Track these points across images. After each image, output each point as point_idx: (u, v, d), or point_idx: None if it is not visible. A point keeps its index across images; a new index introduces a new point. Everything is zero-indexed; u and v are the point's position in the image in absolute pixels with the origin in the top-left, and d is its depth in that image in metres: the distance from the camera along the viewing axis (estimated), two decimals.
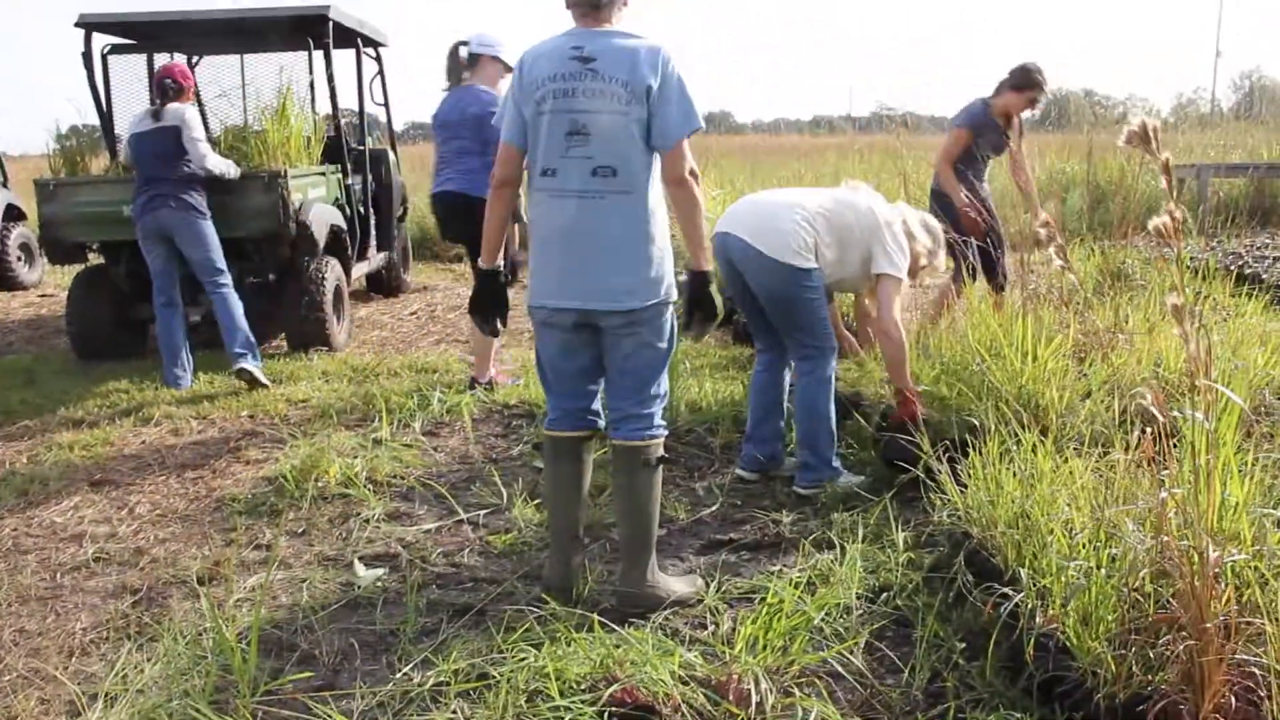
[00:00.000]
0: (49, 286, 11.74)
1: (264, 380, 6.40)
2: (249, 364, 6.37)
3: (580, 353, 3.35)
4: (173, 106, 6.49)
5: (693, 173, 3.22)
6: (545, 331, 3.37)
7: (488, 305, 3.51)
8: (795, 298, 4.21)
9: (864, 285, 4.64)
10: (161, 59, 8.32)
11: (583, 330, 3.29)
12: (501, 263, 3.56)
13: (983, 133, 6.29)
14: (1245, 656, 2.29)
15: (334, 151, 8.27)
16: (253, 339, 6.51)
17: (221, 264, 6.52)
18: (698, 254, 3.31)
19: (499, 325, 3.56)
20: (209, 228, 6.48)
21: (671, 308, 3.34)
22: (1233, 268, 7.60)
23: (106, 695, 2.80)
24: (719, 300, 3.36)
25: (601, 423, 3.50)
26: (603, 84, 3.13)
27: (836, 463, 4.36)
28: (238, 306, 6.51)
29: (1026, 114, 6.47)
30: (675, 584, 3.43)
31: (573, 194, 3.19)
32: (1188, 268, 5.86)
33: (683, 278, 3.40)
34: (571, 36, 3.22)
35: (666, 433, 3.46)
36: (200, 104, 8.55)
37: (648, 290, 3.23)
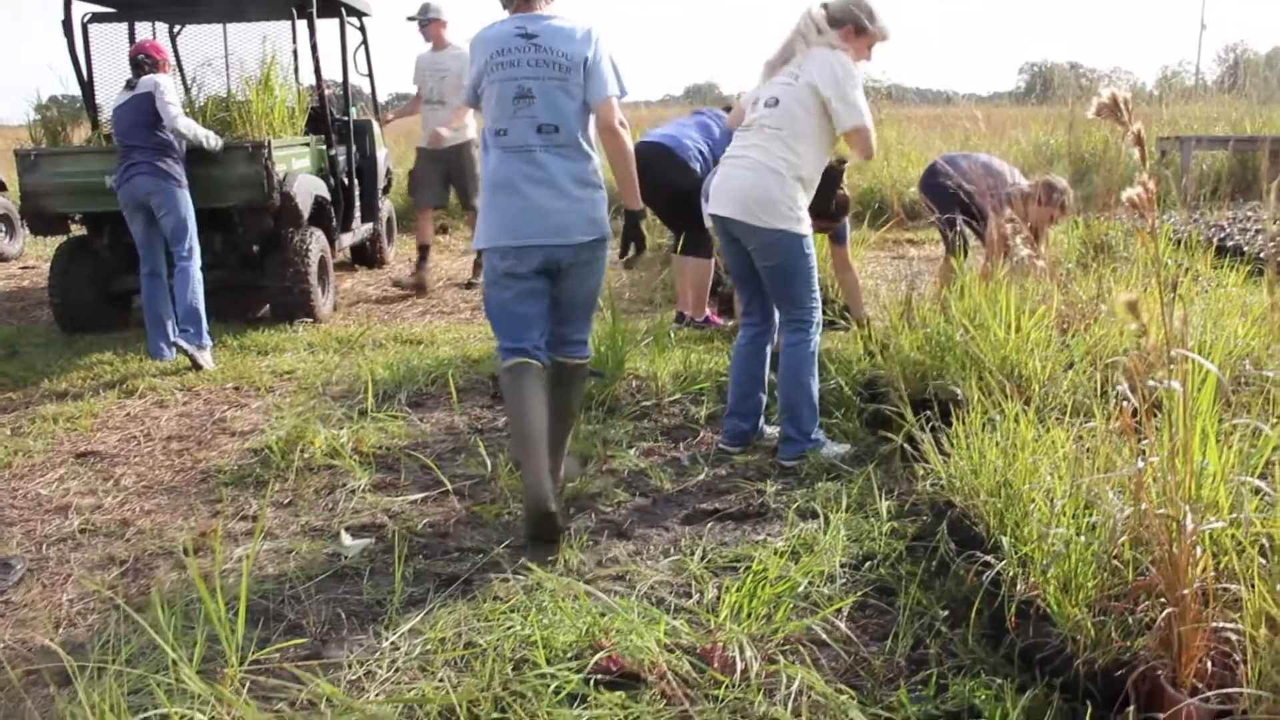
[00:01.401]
0: (30, 258, 11.66)
1: (204, 363, 6.30)
2: (187, 343, 6.29)
3: (533, 300, 3.82)
4: (147, 76, 6.48)
5: (622, 123, 3.81)
6: (506, 280, 3.79)
7: None
8: (795, 266, 4.25)
9: (832, 154, 4.54)
10: (142, 27, 8.26)
11: (540, 276, 3.79)
12: None
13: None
14: (1222, 623, 2.32)
15: (318, 122, 8.23)
16: (204, 321, 6.45)
17: (192, 237, 6.45)
18: (629, 196, 3.97)
19: None
20: (184, 196, 6.42)
21: (608, 245, 3.90)
22: (1215, 239, 7.63)
23: (94, 666, 2.81)
24: (647, 236, 4.09)
25: (545, 359, 3.90)
26: (545, 55, 3.73)
27: (819, 434, 4.39)
28: (198, 284, 6.44)
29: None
30: (573, 465, 4.20)
31: (523, 149, 3.75)
32: (1170, 239, 5.90)
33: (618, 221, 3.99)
34: (515, 20, 3.79)
35: (591, 354, 4.14)
36: (183, 75, 8.49)
37: (591, 227, 3.80)
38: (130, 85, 6.49)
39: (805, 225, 4.25)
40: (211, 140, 6.70)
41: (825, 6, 4.32)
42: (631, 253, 4.06)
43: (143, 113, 6.40)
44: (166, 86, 6.46)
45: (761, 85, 4.40)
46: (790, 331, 4.36)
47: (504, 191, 3.77)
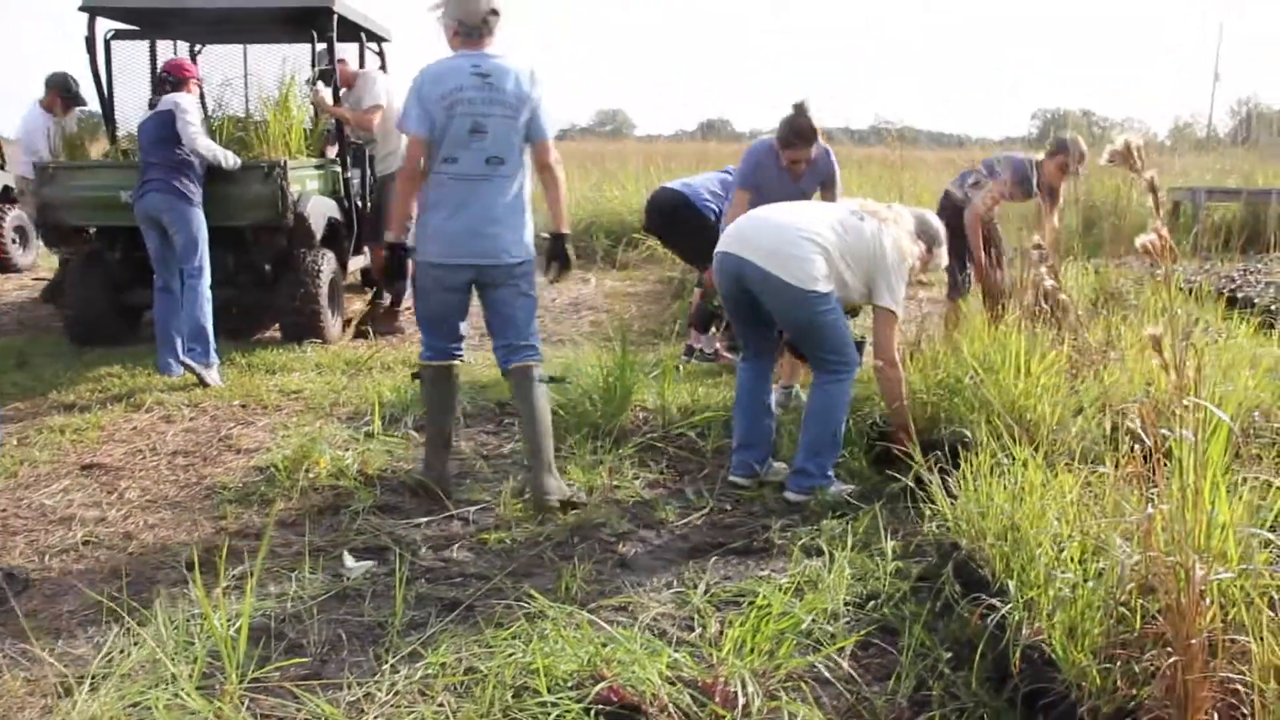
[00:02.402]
0: (43, 270, 11.70)
1: (211, 381, 6.29)
2: (194, 361, 6.31)
3: (458, 306, 4.32)
4: (169, 95, 6.53)
5: (557, 160, 4.28)
6: (436, 289, 4.27)
7: (394, 272, 4.67)
8: (816, 321, 4.26)
9: (860, 302, 4.63)
10: (163, 45, 8.33)
11: (467, 289, 4.28)
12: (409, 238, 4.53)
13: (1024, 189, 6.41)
14: (1230, 674, 2.31)
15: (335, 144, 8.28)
16: (211, 339, 6.43)
17: (203, 256, 6.46)
18: (559, 221, 4.38)
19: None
20: (196, 215, 6.43)
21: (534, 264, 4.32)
22: (1225, 290, 7.64)
23: (93, 678, 2.80)
24: (572, 257, 4.48)
25: (464, 354, 4.48)
26: (497, 94, 4.13)
27: (831, 472, 4.38)
28: (206, 303, 6.42)
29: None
30: (566, 485, 4.36)
31: (470, 177, 4.17)
32: (1180, 289, 5.91)
33: (545, 236, 4.41)
34: (468, 58, 4.17)
35: (542, 358, 4.45)
36: (202, 94, 8.54)
37: (520, 249, 4.25)
38: (152, 103, 6.55)
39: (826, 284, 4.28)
40: (230, 159, 6.72)
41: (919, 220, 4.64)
42: (554, 272, 4.45)
43: (163, 130, 6.44)
44: (188, 106, 6.50)
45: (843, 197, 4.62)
46: (823, 373, 4.37)
47: (445, 213, 4.19)
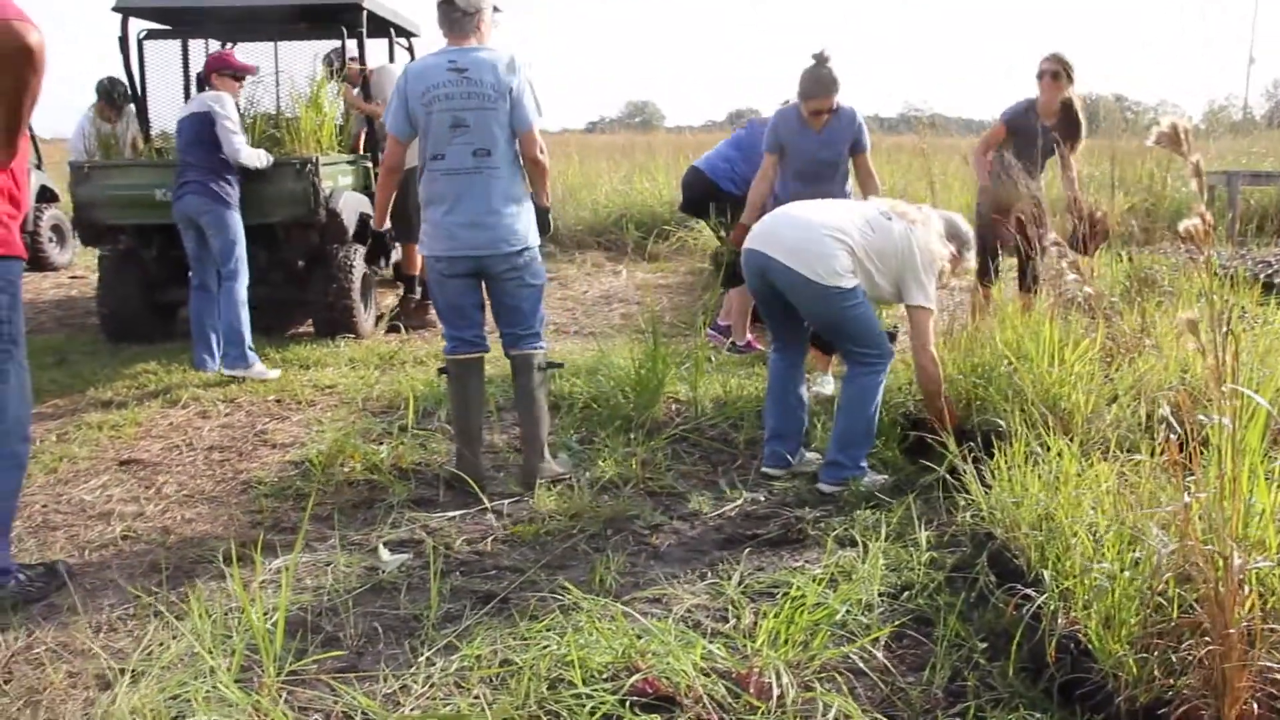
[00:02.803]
0: (79, 268, 11.83)
1: (259, 376, 6.37)
2: (229, 369, 6.36)
3: (470, 294, 4.43)
4: (207, 93, 6.56)
5: (542, 150, 4.35)
6: (445, 281, 4.39)
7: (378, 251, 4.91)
8: (843, 316, 4.25)
9: (892, 300, 4.62)
10: (196, 44, 8.39)
11: (473, 276, 4.37)
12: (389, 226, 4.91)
13: (1017, 130, 6.28)
14: (1269, 663, 2.29)
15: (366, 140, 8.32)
16: (246, 340, 6.42)
17: (239, 259, 6.48)
18: (543, 197, 4.52)
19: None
20: (232, 217, 6.46)
21: (539, 251, 4.45)
22: (1261, 276, 7.55)
23: (134, 671, 2.84)
24: (552, 222, 4.69)
25: (489, 345, 4.57)
26: (474, 87, 4.20)
27: (864, 463, 4.37)
28: (241, 306, 6.43)
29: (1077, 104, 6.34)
30: (557, 466, 4.55)
31: (460, 171, 4.25)
32: (1216, 274, 5.83)
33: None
34: (446, 53, 4.26)
35: (547, 346, 4.62)
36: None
37: (518, 238, 4.32)
38: (192, 99, 6.60)
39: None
40: (264, 160, 6.75)
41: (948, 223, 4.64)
42: (543, 236, 4.53)
43: (201, 132, 6.45)
44: (228, 110, 6.49)
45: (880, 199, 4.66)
46: (856, 364, 4.36)
47: (443, 208, 4.30)
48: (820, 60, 5.34)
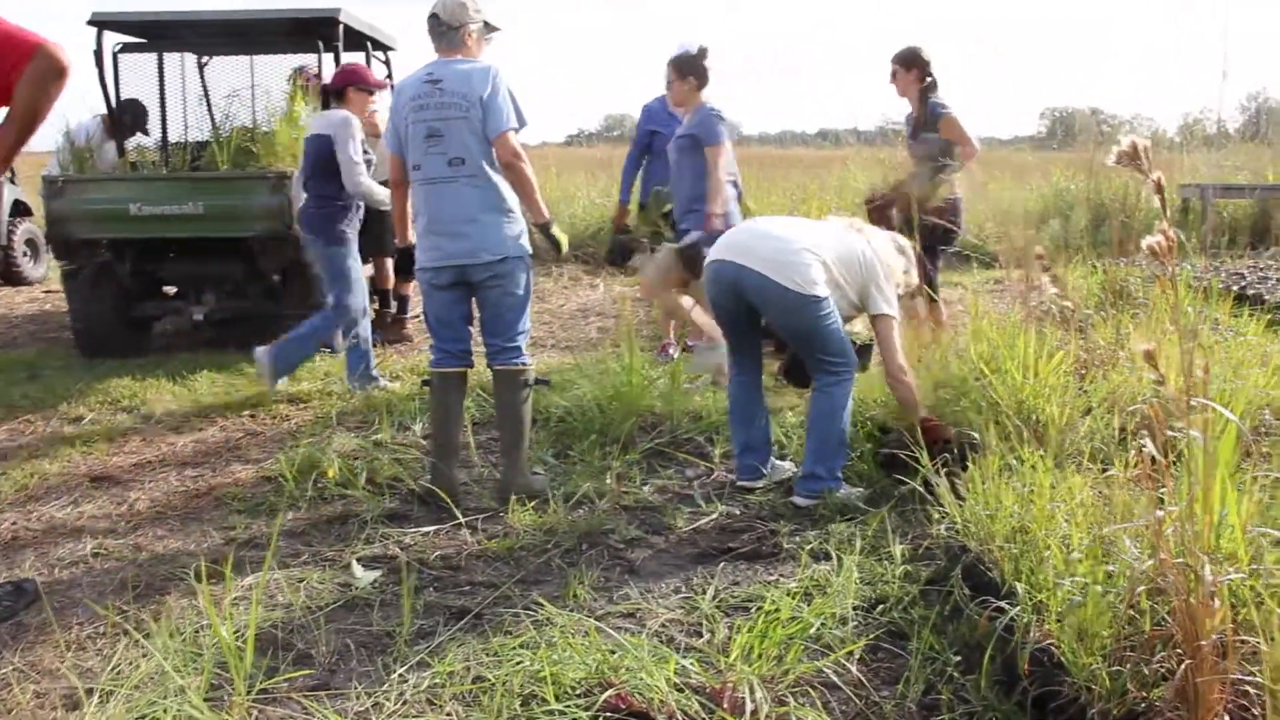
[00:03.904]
0: (53, 283, 11.74)
1: (385, 386, 6.26)
2: (271, 379, 6.04)
3: (456, 306, 4.46)
4: (334, 112, 6.06)
5: (517, 154, 4.30)
6: (432, 293, 4.44)
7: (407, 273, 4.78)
8: (814, 326, 4.27)
9: (848, 313, 4.63)
10: (172, 58, 8.35)
11: (459, 287, 4.40)
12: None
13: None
14: (1241, 676, 2.29)
15: None
16: (296, 356, 6.16)
17: (341, 296, 6.00)
18: (535, 213, 4.45)
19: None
20: (338, 256, 5.98)
21: (526, 262, 4.42)
22: (1235, 288, 7.60)
23: (102, 691, 2.81)
24: (563, 238, 4.65)
25: (473, 361, 4.59)
26: (447, 98, 4.26)
27: (840, 474, 4.37)
28: (322, 334, 6.08)
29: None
30: (536, 481, 4.51)
31: (436, 181, 4.32)
32: (1190, 287, 5.87)
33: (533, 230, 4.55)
34: (427, 67, 4.37)
35: (532, 361, 4.60)
36: (209, 106, 8.53)
37: (500, 247, 4.32)
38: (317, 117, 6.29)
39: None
40: (382, 195, 5.76)
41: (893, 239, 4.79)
42: (552, 257, 4.58)
43: (321, 155, 5.93)
44: (349, 136, 5.86)
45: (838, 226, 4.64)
46: (824, 375, 4.36)
47: (424, 219, 4.38)
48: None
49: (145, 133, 8.36)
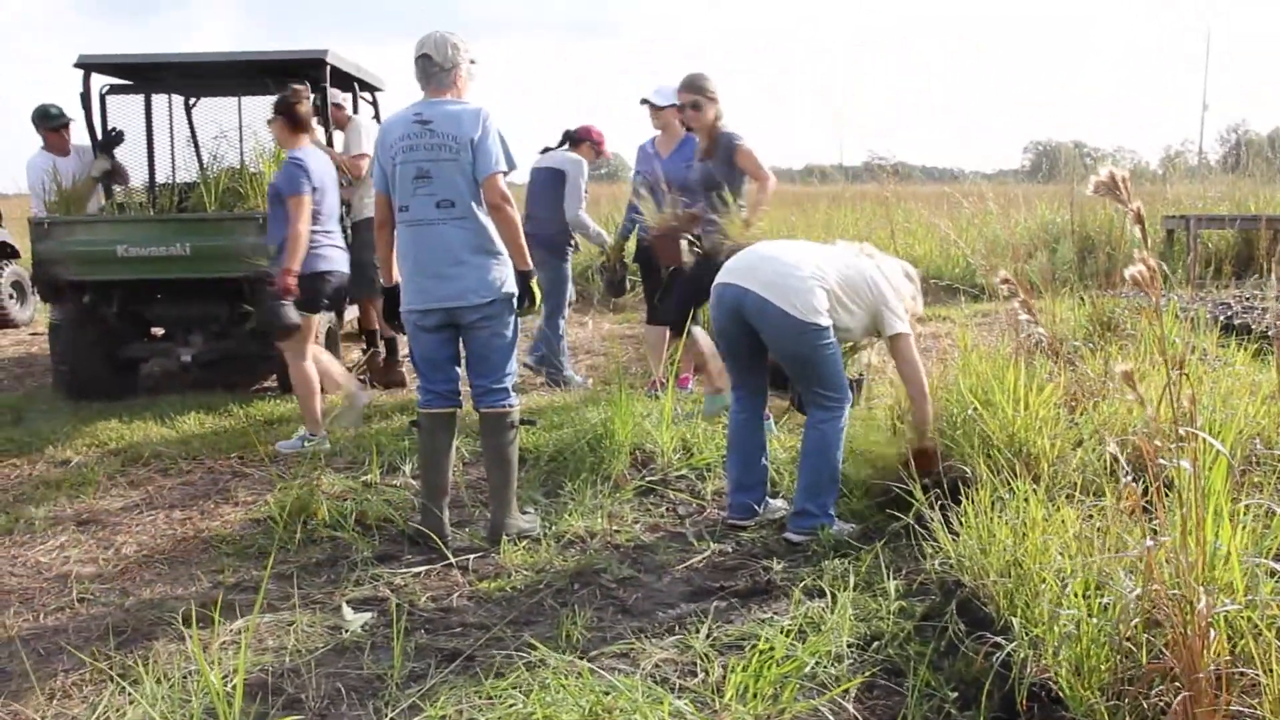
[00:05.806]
0: (40, 325, 11.70)
1: (577, 382, 7.51)
2: (550, 379, 7.47)
3: (444, 347, 4.43)
4: (569, 151, 7.46)
5: (504, 197, 4.29)
6: (419, 333, 4.40)
7: (392, 313, 4.64)
8: (814, 355, 4.26)
9: (861, 339, 4.66)
10: (159, 99, 8.37)
11: (446, 329, 4.38)
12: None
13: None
14: (1240, 708, 2.28)
15: None
16: (563, 365, 7.61)
17: (556, 303, 7.35)
18: (519, 259, 4.38)
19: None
20: (552, 263, 7.25)
21: (514, 304, 4.39)
22: (1221, 318, 7.63)
23: None
24: (538, 293, 4.49)
25: (461, 401, 4.56)
26: (438, 139, 4.24)
27: (832, 510, 4.35)
28: (554, 337, 7.47)
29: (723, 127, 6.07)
30: (523, 522, 4.50)
31: (424, 222, 4.29)
32: (1177, 317, 5.90)
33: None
34: (415, 106, 4.34)
35: (519, 403, 4.60)
36: (196, 147, 8.53)
37: (487, 289, 4.30)
38: (548, 151, 7.58)
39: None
40: (595, 232, 7.71)
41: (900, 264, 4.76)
42: (525, 306, 4.44)
43: (549, 183, 7.38)
44: (576, 173, 7.32)
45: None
46: (817, 409, 4.35)
47: (410, 261, 4.35)
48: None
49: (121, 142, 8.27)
